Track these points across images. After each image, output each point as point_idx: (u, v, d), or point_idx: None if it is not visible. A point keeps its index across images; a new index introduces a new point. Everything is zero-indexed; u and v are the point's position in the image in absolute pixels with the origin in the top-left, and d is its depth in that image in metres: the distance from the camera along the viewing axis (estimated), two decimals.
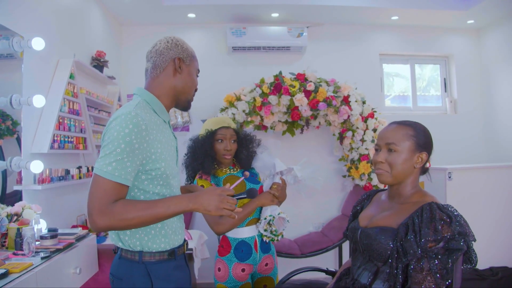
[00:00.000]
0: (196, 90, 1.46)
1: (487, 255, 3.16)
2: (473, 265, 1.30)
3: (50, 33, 2.56)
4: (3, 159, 2.11)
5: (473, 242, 1.28)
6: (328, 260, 3.91)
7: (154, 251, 1.29)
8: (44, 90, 2.45)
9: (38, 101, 2.14)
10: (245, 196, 1.38)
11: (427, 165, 1.46)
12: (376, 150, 1.45)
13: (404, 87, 4.50)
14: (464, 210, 3.00)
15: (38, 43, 2.14)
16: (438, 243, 1.19)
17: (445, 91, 4.42)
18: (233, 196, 1.32)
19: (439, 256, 1.19)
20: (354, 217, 1.61)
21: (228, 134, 1.98)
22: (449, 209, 1.27)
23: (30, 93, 2.18)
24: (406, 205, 1.35)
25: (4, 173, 2.19)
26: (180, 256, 1.40)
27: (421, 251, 1.19)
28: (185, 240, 1.47)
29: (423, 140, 1.38)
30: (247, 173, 1.95)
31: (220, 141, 1.98)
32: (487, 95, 4.28)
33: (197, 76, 1.46)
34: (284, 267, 2.46)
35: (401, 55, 4.36)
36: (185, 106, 1.43)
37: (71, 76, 2.62)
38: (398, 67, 4.50)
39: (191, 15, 3.85)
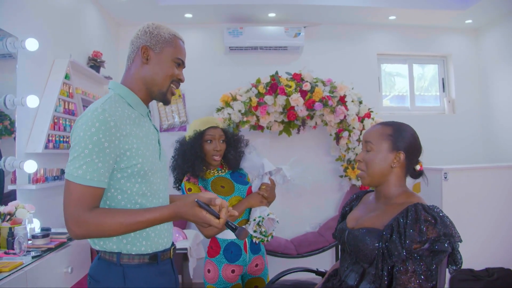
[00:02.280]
0: (179, 80, 1.32)
1: (483, 256, 3.16)
2: (458, 266, 1.30)
3: (46, 34, 2.58)
4: (0, 159, 2.13)
5: (459, 243, 1.27)
6: (325, 260, 3.91)
7: (133, 253, 1.20)
8: (39, 90, 2.47)
9: (32, 101, 2.16)
10: (234, 230, 1.20)
11: (418, 167, 1.45)
12: (362, 150, 1.46)
13: (404, 86, 4.49)
14: (460, 210, 3.04)
15: (31, 44, 2.16)
16: (423, 244, 1.18)
17: (443, 91, 4.41)
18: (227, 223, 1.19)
19: (424, 258, 1.19)
20: (343, 218, 1.61)
21: (217, 134, 1.95)
22: (435, 210, 1.26)
23: (25, 94, 2.20)
24: (392, 206, 1.34)
25: (2, 173, 2.21)
26: (165, 261, 1.29)
27: (406, 252, 1.18)
28: (173, 244, 1.36)
29: (401, 140, 1.37)
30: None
31: (209, 141, 1.94)
32: (485, 95, 4.26)
33: (179, 64, 1.30)
34: (280, 267, 2.46)
35: (399, 55, 4.35)
36: (161, 98, 1.30)
37: (67, 77, 2.63)
38: (400, 66, 4.49)
39: (188, 15, 3.86)
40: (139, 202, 1.20)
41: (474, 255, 3.11)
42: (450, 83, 4.38)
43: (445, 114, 4.34)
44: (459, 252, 1.28)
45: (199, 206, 1.14)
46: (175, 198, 1.40)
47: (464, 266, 3.08)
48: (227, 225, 1.18)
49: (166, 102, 1.31)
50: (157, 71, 1.26)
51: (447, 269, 1.31)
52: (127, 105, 1.23)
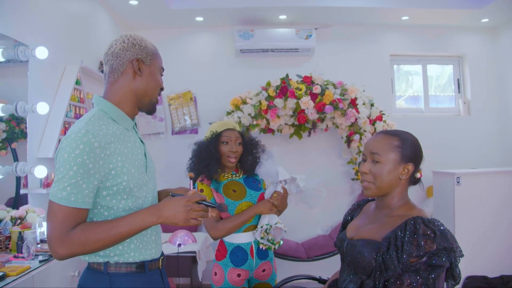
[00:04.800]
0: (162, 89, 1.36)
1: (498, 263, 3.07)
2: (457, 281, 1.26)
3: (58, 41, 2.64)
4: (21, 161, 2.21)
5: (460, 258, 1.22)
6: (335, 265, 3.85)
7: (120, 261, 1.21)
8: (51, 96, 2.53)
9: (42, 108, 2.22)
10: (215, 206, 1.28)
11: (418, 175, 1.42)
12: (363, 160, 1.42)
13: (420, 86, 4.39)
14: (473, 216, 2.97)
15: (41, 52, 2.21)
16: (420, 258, 1.16)
17: (459, 91, 4.31)
18: (203, 202, 1.23)
19: (421, 272, 1.16)
20: (343, 227, 1.60)
21: (233, 136, 1.99)
22: (435, 223, 1.22)
23: (36, 100, 2.26)
24: (393, 218, 1.32)
25: (18, 178, 2.29)
26: (154, 271, 1.30)
27: (402, 267, 1.16)
28: (162, 255, 1.37)
29: (409, 151, 1.33)
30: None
31: (225, 143, 1.98)
32: (502, 95, 4.13)
33: (162, 74, 1.35)
34: (289, 270, 2.46)
35: (413, 56, 4.27)
36: (149, 109, 1.33)
37: (77, 82, 2.69)
38: (416, 66, 4.41)
39: (199, 19, 3.88)
40: None
41: (489, 262, 3.03)
42: (466, 83, 4.27)
43: (460, 116, 4.24)
44: (458, 267, 1.23)
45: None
46: (160, 195, 1.46)
47: (478, 273, 3.04)
48: (206, 205, 1.23)
49: (152, 112, 1.35)
50: (150, 83, 1.28)
51: (445, 284, 1.27)
52: (112, 121, 1.23)
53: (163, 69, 1.37)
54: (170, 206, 1.17)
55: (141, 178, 1.25)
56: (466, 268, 2.98)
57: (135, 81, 1.26)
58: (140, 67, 1.26)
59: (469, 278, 2.98)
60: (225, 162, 2.00)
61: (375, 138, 1.41)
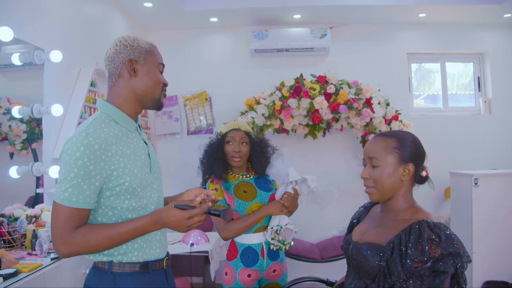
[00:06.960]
0: (165, 85, 1.36)
1: None
2: None
3: (73, 44, 2.71)
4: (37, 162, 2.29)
5: (467, 263, 1.18)
6: None
7: (124, 261, 1.23)
8: (66, 98, 2.60)
9: (57, 110, 2.28)
10: (218, 215, 1.27)
11: (423, 174, 1.39)
12: (363, 165, 1.40)
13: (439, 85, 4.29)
14: (491, 219, 2.88)
15: (56, 56, 2.27)
16: (425, 263, 1.13)
17: (479, 90, 4.18)
18: (210, 211, 1.25)
19: (425, 278, 1.13)
20: (350, 231, 1.58)
21: (237, 136, 2.00)
22: (441, 227, 1.18)
23: (51, 102, 2.32)
24: (398, 221, 1.28)
25: (38, 178, 2.36)
26: (158, 271, 1.31)
27: (406, 272, 1.13)
28: (167, 255, 1.38)
29: (408, 151, 1.31)
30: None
31: (229, 143, 2.00)
32: None
33: (161, 71, 1.35)
34: (303, 271, 2.45)
35: (431, 54, 4.17)
36: (155, 106, 1.34)
37: (92, 84, 2.75)
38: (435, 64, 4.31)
39: (213, 20, 3.90)
40: (129, 217, 1.23)
41: (509, 267, 2.93)
42: (487, 81, 4.13)
43: (480, 115, 4.11)
44: (463, 274, 1.19)
45: (177, 208, 1.20)
46: (168, 200, 1.45)
47: (497, 278, 2.94)
48: (211, 213, 1.25)
49: (160, 107, 1.36)
50: (147, 81, 1.29)
51: None
52: (114, 123, 1.26)
53: (163, 65, 1.36)
54: (173, 219, 1.19)
55: (144, 179, 1.27)
56: (485, 272, 2.89)
57: (132, 82, 1.28)
58: (134, 67, 1.28)
59: (488, 283, 2.88)
60: (230, 161, 2.01)
61: (372, 141, 1.38)
